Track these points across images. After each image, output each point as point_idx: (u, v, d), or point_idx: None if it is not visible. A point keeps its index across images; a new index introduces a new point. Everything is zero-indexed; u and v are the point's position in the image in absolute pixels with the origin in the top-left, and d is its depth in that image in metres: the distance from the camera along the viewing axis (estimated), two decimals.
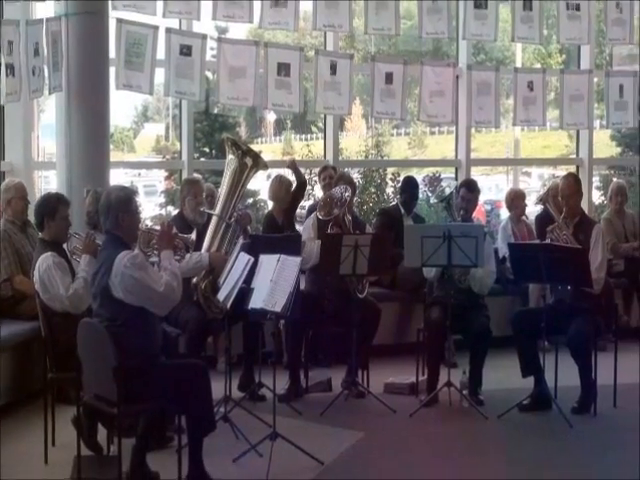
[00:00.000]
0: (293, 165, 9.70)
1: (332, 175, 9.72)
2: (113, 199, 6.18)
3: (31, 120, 9.85)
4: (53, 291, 7.00)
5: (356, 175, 12.27)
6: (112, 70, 9.46)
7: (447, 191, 8.92)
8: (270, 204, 9.84)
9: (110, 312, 6.04)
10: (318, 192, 11.50)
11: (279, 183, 9.43)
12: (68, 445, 6.54)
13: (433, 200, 10.27)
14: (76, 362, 6.23)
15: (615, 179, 14.00)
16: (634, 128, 13.91)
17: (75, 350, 6.25)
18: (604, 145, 20.25)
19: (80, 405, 6.46)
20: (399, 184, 11.76)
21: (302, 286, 8.29)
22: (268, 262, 6.97)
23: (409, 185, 10.37)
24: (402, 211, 10.11)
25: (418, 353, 8.59)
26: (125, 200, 6.20)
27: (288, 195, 9.41)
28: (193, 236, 7.68)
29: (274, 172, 10.61)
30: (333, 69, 10.50)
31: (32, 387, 7.84)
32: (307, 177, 13.02)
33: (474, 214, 9.21)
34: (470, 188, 8.80)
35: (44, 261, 7.06)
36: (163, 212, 18.54)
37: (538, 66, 22.92)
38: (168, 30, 9.90)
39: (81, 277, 7.00)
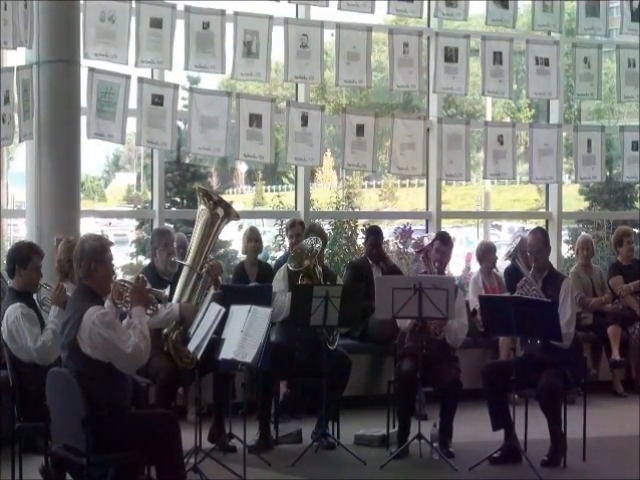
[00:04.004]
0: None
1: (300, 232, 9.75)
2: (87, 248, 6.18)
3: (1, 167, 9.86)
4: (21, 342, 6.97)
5: (327, 226, 12.33)
6: (83, 119, 9.51)
7: (426, 242, 8.99)
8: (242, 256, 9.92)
9: (78, 364, 6.02)
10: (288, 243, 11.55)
11: (248, 232, 9.64)
12: None
13: (410, 249, 10.37)
14: (45, 411, 6.21)
15: (583, 233, 14.15)
16: (601, 183, 14.13)
17: (44, 399, 6.23)
18: (573, 199, 20.42)
19: (48, 455, 6.44)
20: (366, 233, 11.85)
21: (272, 337, 8.32)
22: (239, 313, 7.01)
23: (370, 233, 10.48)
24: (370, 262, 10.18)
25: (388, 405, 8.60)
26: (99, 250, 6.20)
27: (257, 244, 9.59)
28: (167, 292, 7.73)
29: (245, 222, 10.69)
30: (304, 120, 10.59)
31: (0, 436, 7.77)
32: (277, 227, 13.16)
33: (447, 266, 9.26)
34: (444, 241, 8.88)
35: (13, 312, 7.04)
36: (134, 261, 18.52)
37: (508, 120, 23.13)
38: (140, 79, 9.96)
39: (50, 329, 6.98)
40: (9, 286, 7.43)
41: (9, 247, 7.84)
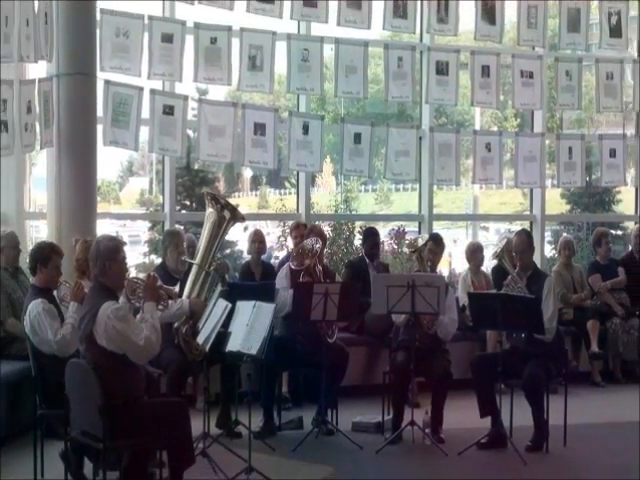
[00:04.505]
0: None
1: (303, 233, 9.75)
2: (102, 248, 6.21)
3: (23, 173, 9.87)
4: (42, 335, 6.98)
5: (326, 228, 12.28)
6: (100, 127, 9.53)
7: (420, 242, 9.00)
8: (247, 256, 9.94)
9: (95, 356, 6.04)
10: (290, 244, 11.56)
11: (253, 235, 9.66)
12: (56, 478, 6.55)
13: (406, 249, 10.36)
14: (64, 400, 6.22)
15: (564, 234, 14.17)
16: (581, 188, 14.14)
17: (63, 389, 6.24)
18: (555, 203, 20.39)
19: (68, 440, 6.41)
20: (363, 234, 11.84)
21: (276, 331, 8.33)
22: (244, 308, 7.01)
23: (369, 234, 10.45)
24: (367, 261, 10.19)
25: (384, 394, 8.60)
26: (113, 249, 6.22)
27: (261, 245, 9.60)
28: (177, 289, 7.74)
29: (250, 224, 10.70)
30: (305, 129, 10.60)
31: (22, 423, 7.81)
32: (280, 229, 13.14)
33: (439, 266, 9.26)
34: (437, 242, 8.90)
35: (35, 307, 7.05)
36: (147, 260, 18.46)
37: (495, 129, 23.08)
38: (152, 91, 9.99)
39: (69, 323, 6.98)
40: (31, 283, 7.44)
41: (31, 247, 7.82)
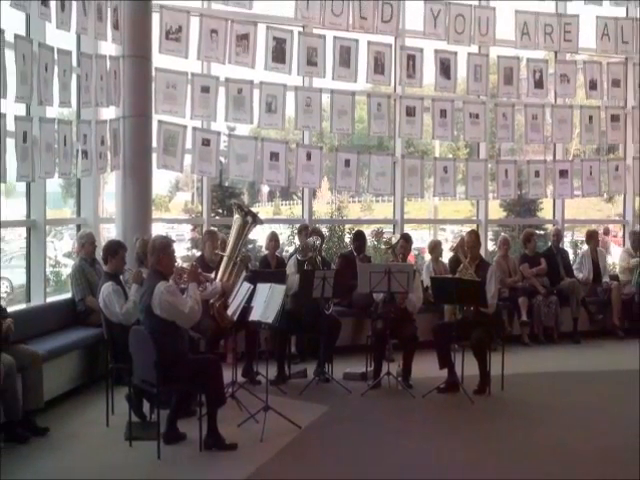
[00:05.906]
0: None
1: (308, 233, 9.75)
2: (157, 244, 6.24)
3: (98, 189, 9.85)
4: (112, 309, 7.00)
5: (324, 229, 12.28)
6: (154, 155, 9.54)
7: (394, 240, 9.01)
8: (265, 251, 9.91)
9: (152, 323, 6.07)
10: (297, 241, 11.53)
11: (270, 235, 9.63)
12: (123, 414, 6.58)
13: (382, 246, 10.33)
14: (128, 356, 6.26)
15: (502, 234, 14.14)
16: (514, 199, 14.07)
17: (128, 348, 6.28)
18: (495, 210, 20.37)
19: (131, 386, 6.47)
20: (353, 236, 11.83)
21: (287, 306, 8.32)
22: (263, 289, 7.01)
23: (359, 236, 10.43)
24: (355, 254, 10.18)
25: (367, 352, 8.64)
26: (165, 245, 6.25)
27: (276, 243, 9.56)
28: (213, 275, 7.74)
29: (267, 227, 10.65)
30: (308, 156, 10.61)
31: (98, 374, 7.90)
32: (289, 230, 13.12)
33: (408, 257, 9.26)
34: (407, 240, 8.91)
35: (106, 288, 7.07)
36: (189, 254, 18.47)
37: (450, 156, 23.05)
38: (194, 128, 10.00)
39: (131, 300, 7.00)
40: (104, 270, 7.45)
41: (104, 243, 7.83)
